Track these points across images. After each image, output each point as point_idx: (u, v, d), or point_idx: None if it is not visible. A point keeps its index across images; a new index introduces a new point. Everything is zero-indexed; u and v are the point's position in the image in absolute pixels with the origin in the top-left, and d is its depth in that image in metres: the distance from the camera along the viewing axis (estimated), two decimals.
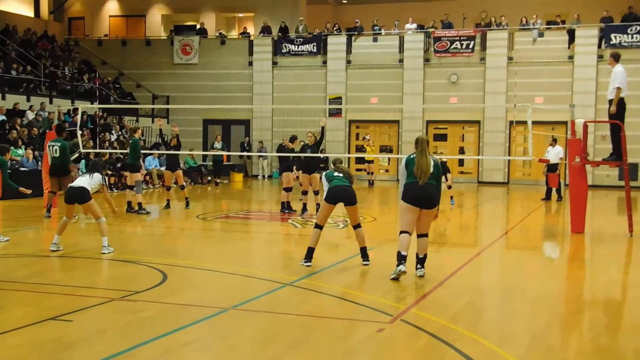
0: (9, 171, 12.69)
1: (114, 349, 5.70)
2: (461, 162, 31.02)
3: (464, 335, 6.36)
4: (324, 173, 10.30)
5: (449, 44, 30.10)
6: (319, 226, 9.71)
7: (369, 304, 7.46)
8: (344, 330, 6.61)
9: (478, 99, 29.49)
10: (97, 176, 10.86)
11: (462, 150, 31.11)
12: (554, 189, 21.44)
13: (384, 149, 31.76)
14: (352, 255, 11.01)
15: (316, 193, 15.91)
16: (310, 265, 9.53)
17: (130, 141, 16.57)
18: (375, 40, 31.43)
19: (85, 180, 10.75)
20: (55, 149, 15.18)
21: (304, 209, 16.03)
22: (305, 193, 16.20)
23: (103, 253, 10.34)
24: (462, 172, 30.88)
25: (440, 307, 7.50)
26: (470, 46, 29.86)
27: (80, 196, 10.59)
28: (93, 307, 7.11)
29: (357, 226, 9.83)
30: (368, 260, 9.82)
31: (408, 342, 6.24)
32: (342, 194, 9.61)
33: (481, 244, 13.30)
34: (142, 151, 19.04)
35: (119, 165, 22.86)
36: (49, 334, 6.20)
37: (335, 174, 9.95)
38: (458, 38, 30.06)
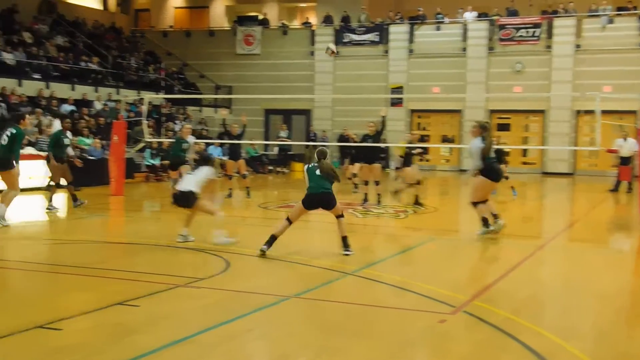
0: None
1: (178, 335, 5.80)
2: (524, 153, 30.48)
3: (528, 328, 6.25)
4: (306, 167, 9.78)
5: (514, 31, 29.55)
6: (289, 220, 9.50)
7: (430, 294, 7.40)
8: (404, 320, 6.58)
9: (543, 88, 28.89)
10: (205, 170, 10.15)
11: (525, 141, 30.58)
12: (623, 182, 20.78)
13: (446, 139, 31.44)
14: (413, 246, 10.99)
15: (377, 183, 15.89)
16: (264, 251, 9.21)
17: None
18: (438, 28, 31.10)
19: (192, 181, 10.05)
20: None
21: (365, 199, 16.01)
22: (366, 183, 16.18)
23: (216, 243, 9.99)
24: (525, 163, 30.33)
25: (503, 299, 7.39)
26: (536, 34, 29.26)
27: (185, 200, 9.96)
28: (158, 293, 7.24)
29: (339, 216, 9.69)
30: (349, 250, 9.54)
31: (470, 333, 6.18)
32: (318, 201, 9.52)
33: (545, 236, 13.05)
34: (205, 141, 19.31)
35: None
36: (114, 318, 6.35)
37: (317, 172, 9.50)
38: (523, 26, 29.49)
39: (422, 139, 31.07)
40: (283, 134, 27.30)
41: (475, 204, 11.18)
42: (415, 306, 7.05)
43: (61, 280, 8.07)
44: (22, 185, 16.44)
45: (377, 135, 15.93)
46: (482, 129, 10.98)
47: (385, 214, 14.55)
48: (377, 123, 16.05)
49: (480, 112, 29.87)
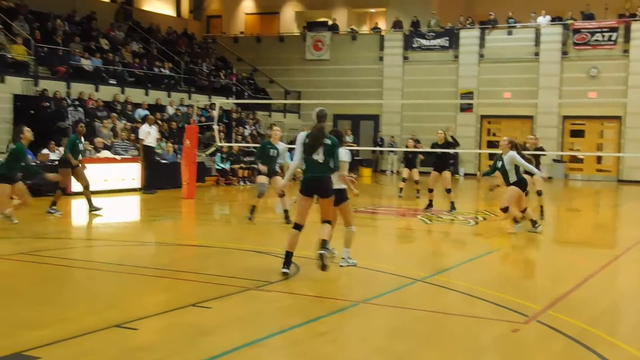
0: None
1: (249, 337, 5.86)
2: (599, 160, 29.68)
3: (605, 340, 6.08)
4: (301, 134, 8.51)
5: (589, 36, 28.82)
6: (297, 226, 8.39)
7: (502, 302, 7.27)
8: (476, 328, 6.49)
9: (619, 93, 28.08)
10: (341, 154, 8.65)
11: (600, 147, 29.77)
12: None
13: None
14: (484, 253, 10.84)
15: (448, 191, 15.74)
16: (287, 273, 8.22)
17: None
18: (509, 33, 30.60)
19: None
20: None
21: (430, 204, 15.93)
22: (430, 191, 16.12)
23: (341, 265, 8.98)
24: (600, 170, 29.52)
25: (578, 310, 7.21)
26: (613, 38, 28.46)
27: (325, 191, 8.47)
28: (229, 295, 7.34)
29: (326, 222, 8.45)
30: (326, 250, 8.21)
31: (544, 344, 6.04)
32: (316, 186, 8.34)
33: (621, 246, 12.66)
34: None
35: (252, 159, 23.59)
36: (188, 319, 6.47)
37: (315, 156, 8.23)
38: (599, 30, 28.72)
39: (494, 145, 30.64)
40: (348, 139, 27.32)
41: (506, 209, 12.29)
42: (486, 314, 6.95)
43: (135, 281, 8.27)
44: (99, 187, 17.10)
45: (446, 145, 15.93)
46: (513, 144, 12.24)
47: (455, 221, 14.40)
48: (446, 131, 16.07)
49: (553, 117, 29.27)
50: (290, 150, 12.30)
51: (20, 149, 11.55)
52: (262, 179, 13.11)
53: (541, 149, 15.28)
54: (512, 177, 12.18)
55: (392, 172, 31.16)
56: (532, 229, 12.54)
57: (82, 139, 14.60)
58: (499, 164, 12.45)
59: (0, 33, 21.78)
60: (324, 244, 8.19)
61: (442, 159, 16.08)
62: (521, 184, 12.27)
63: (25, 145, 11.69)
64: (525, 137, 29.89)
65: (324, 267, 8.10)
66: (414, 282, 8.34)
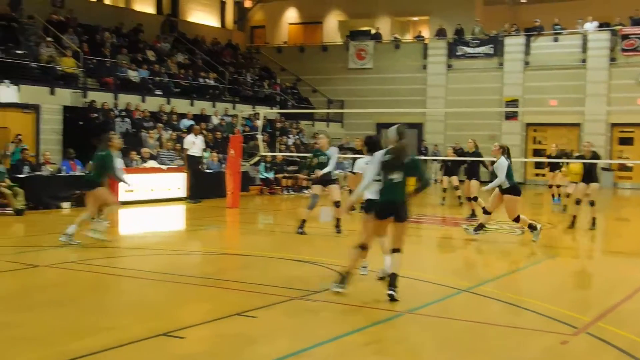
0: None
1: (295, 347, 5.87)
2: None
3: None
4: (379, 153, 7.86)
5: (638, 41, 28.25)
6: (365, 247, 7.86)
7: (550, 314, 7.16)
8: (523, 339, 6.40)
9: None
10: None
11: None
12: None
13: (564, 154, 30.33)
14: (531, 264, 10.70)
15: (475, 199, 15.67)
16: (340, 291, 7.80)
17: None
18: (555, 40, 30.18)
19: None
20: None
21: (472, 214, 15.81)
22: (468, 199, 16.14)
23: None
24: None
25: (629, 321, 7.06)
26: None
27: (397, 211, 7.84)
28: (274, 304, 7.37)
29: (397, 250, 7.71)
30: (394, 291, 7.51)
31: (595, 356, 5.93)
32: (392, 210, 7.77)
33: None
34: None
35: (296, 168, 23.79)
36: (234, 328, 6.51)
37: (393, 176, 7.70)
38: None
39: (540, 153, 30.21)
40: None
41: (517, 219, 12.13)
42: (534, 325, 6.85)
43: (182, 290, 8.36)
44: (145, 197, 17.40)
45: (476, 154, 16.00)
46: (503, 150, 12.38)
47: (500, 230, 14.23)
48: (477, 141, 16.29)
49: (601, 125, 28.75)
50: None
51: (109, 156, 11.31)
52: (316, 190, 12.88)
53: (596, 155, 14.76)
54: (504, 184, 12.08)
55: (435, 180, 30.88)
56: (474, 232, 12.70)
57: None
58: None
59: (51, 46, 22.30)
60: (394, 280, 7.53)
61: (471, 168, 16.20)
62: (515, 190, 12.17)
63: (113, 153, 11.44)
64: (573, 145, 29.61)
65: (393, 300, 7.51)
66: (459, 292, 8.26)
